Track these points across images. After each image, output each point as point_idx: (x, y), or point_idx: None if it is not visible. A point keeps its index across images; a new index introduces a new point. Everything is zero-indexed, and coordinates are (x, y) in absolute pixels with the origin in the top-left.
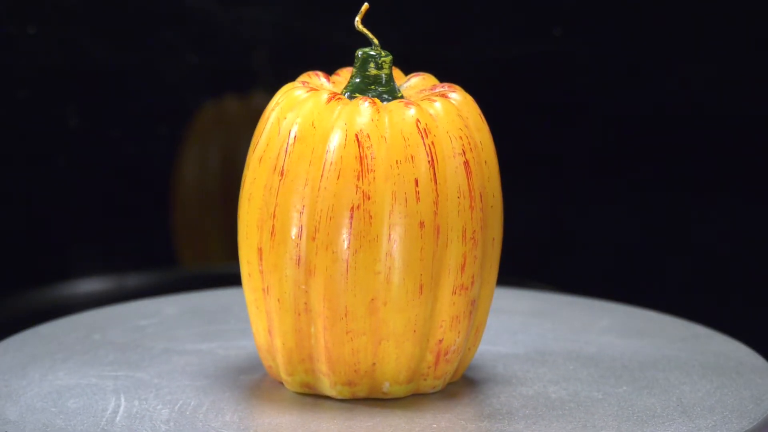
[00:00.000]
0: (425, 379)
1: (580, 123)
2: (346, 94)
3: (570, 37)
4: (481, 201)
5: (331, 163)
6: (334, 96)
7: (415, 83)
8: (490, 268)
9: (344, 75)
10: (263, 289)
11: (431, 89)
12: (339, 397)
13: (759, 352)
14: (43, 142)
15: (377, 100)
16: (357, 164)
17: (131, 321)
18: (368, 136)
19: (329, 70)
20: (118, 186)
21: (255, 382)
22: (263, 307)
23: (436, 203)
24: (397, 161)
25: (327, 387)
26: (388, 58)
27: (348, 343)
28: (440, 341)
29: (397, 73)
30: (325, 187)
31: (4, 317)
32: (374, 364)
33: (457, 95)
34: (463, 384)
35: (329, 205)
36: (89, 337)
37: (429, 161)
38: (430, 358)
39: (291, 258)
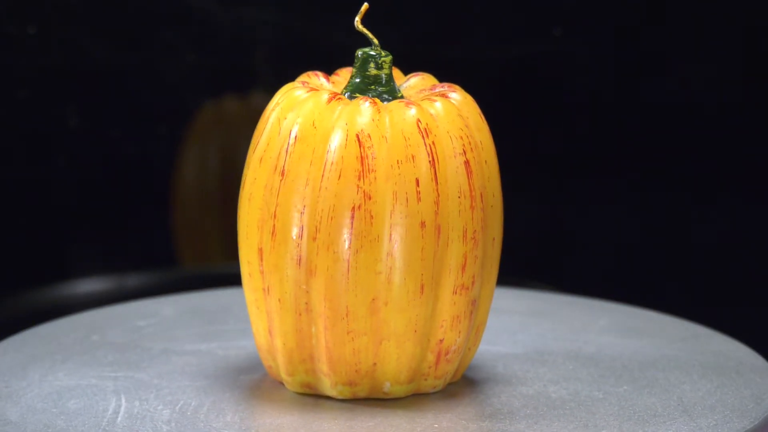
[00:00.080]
0: (426, 379)
1: (580, 123)
2: (346, 94)
3: (570, 37)
4: (482, 201)
5: (332, 163)
6: (334, 96)
7: (414, 83)
8: (491, 267)
9: (344, 75)
10: (264, 290)
11: (431, 89)
12: (340, 397)
13: (759, 352)
14: (43, 142)
15: (378, 100)
16: (358, 164)
17: (130, 321)
18: (369, 136)
19: (329, 70)
20: (118, 186)
21: (255, 382)
22: (264, 308)
23: (437, 203)
24: (398, 161)
25: (328, 387)
26: (388, 58)
27: (349, 343)
28: (441, 341)
29: (396, 73)
30: (326, 187)
31: (3, 317)
32: (375, 364)
33: (457, 95)
34: (463, 384)
35: (330, 205)
36: (88, 337)
37: (430, 161)
38: (430, 358)
39: (292, 258)
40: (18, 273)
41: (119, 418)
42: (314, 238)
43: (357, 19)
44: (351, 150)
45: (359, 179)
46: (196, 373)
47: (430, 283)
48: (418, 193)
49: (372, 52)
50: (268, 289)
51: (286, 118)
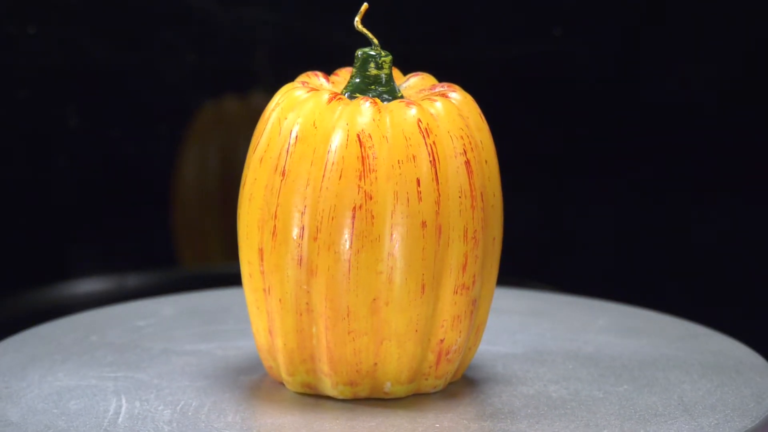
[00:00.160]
0: (426, 379)
1: (580, 123)
2: (346, 95)
3: (570, 37)
4: (482, 200)
5: (333, 163)
6: (335, 96)
7: (414, 83)
8: (491, 267)
9: (343, 75)
10: (264, 290)
11: (431, 89)
12: (340, 397)
13: (759, 352)
14: (43, 142)
15: (378, 100)
16: (359, 164)
17: (129, 322)
18: (370, 136)
19: (329, 70)
20: (118, 186)
21: (255, 382)
22: (264, 308)
23: (437, 203)
24: (398, 161)
25: (328, 387)
26: (388, 58)
27: (350, 343)
28: (442, 341)
29: (395, 73)
30: (327, 187)
31: (3, 317)
32: (376, 364)
33: (457, 95)
34: (463, 384)
35: (331, 205)
36: (87, 338)
37: (431, 161)
38: (431, 357)
39: (293, 258)
40: (18, 273)
41: (120, 419)
42: (315, 238)
43: (357, 19)
44: (352, 150)
45: (360, 179)
46: (195, 374)
47: (431, 282)
48: (419, 193)
49: (372, 52)
50: (269, 290)
51: (286, 119)
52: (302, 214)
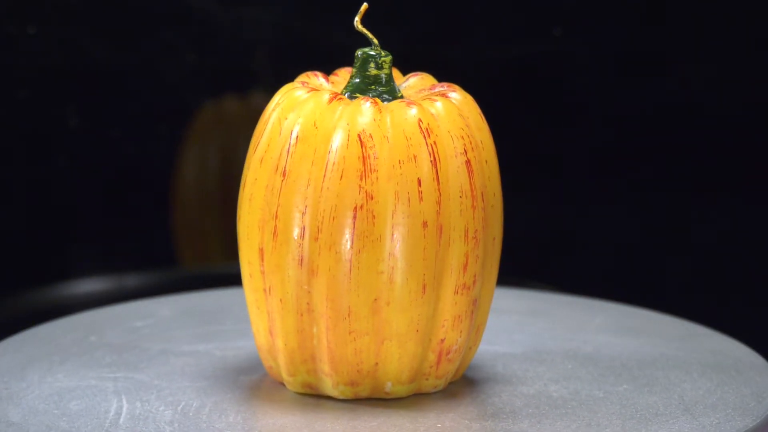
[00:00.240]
0: (427, 379)
1: (580, 123)
2: (346, 95)
3: (570, 37)
4: (483, 200)
5: (334, 163)
6: (335, 96)
7: (413, 83)
8: (491, 267)
9: (342, 75)
10: (265, 290)
11: (430, 89)
12: (341, 397)
13: (759, 352)
14: (43, 142)
15: (378, 100)
16: (360, 164)
17: (127, 322)
18: (371, 136)
19: (329, 70)
20: (118, 186)
21: (255, 382)
22: (264, 308)
23: (438, 203)
24: (399, 161)
25: (329, 387)
26: (388, 58)
27: (351, 343)
28: (442, 341)
29: (395, 73)
30: (328, 188)
31: (3, 317)
32: (377, 364)
33: (457, 95)
34: (463, 383)
35: (332, 206)
36: (86, 338)
37: (431, 161)
38: (432, 357)
39: (293, 258)
40: (18, 273)
41: (122, 419)
42: (316, 239)
43: (357, 19)
44: (353, 150)
45: (361, 179)
46: (195, 374)
47: (432, 282)
48: (420, 192)
49: (372, 52)
50: (270, 290)
51: (287, 119)
52: (303, 214)
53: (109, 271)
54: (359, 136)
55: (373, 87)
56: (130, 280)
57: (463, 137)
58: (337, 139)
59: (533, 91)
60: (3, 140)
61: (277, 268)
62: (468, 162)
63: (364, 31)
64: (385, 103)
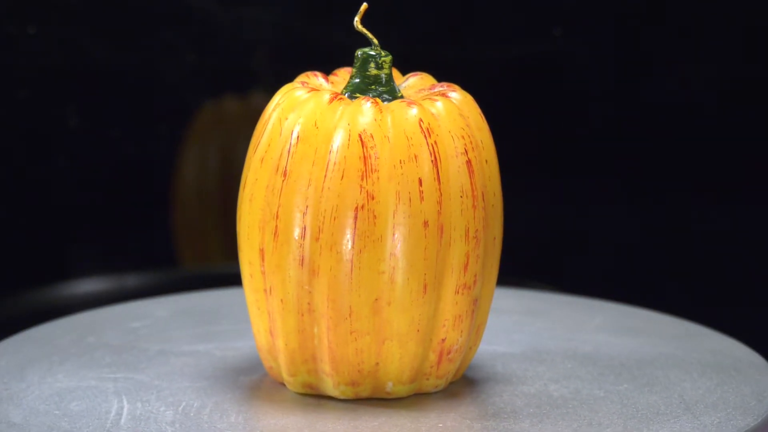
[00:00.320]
0: (428, 379)
1: (580, 123)
2: (346, 95)
3: (570, 37)
4: (483, 200)
5: (335, 164)
6: (336, 96)
7: (413, 83)
8: (491, 267)
9: (342, 75)
10: (265, 290)
11: (430, 89)
12: (342, 397)
13: (759, 352)
14: (43, 142)
15: (379, 100)
16: (361, 164)
17: (126, 323)
18: (372, 136)
19: (329, 70)
20: (118, 186)
21: (255, 382)
22: (265, 308)
23: (439, 203)
24: (400, 161)
25: (330, 387)
26: (388, 58)
27: (352, 343)
28: (443, 340)
29: (394, 73)
30: (329, 188)
31: (3, 317)
32: (378, 363)
33: (457, 94)
34: (463, 383)
35: (333, 206)
36: (84, 339)
37: (432, 161)
38: (432, 357)
39: (294, 259)
40: (18, 273)
41: (123, 420)
42: (317, 239)
43: (357, 19)
44: (354, 150)
45: (362, 179)
46: (195, 374)
47: (433, 282)
48: (421, 192)
49: (372, 52)
50: (270, 290)
51: (287, 119)
52: (304, 214)
53: (109, 271)
54: (360, 136)
55: (373, 87)
56: (130, 280)
57: (463, 137)
58: (338, 139)
59: (533, 91)
60: (3, 140)
61: (278, 268)
62: (469, 162)
63: (364, 31)
64: (386, 103)
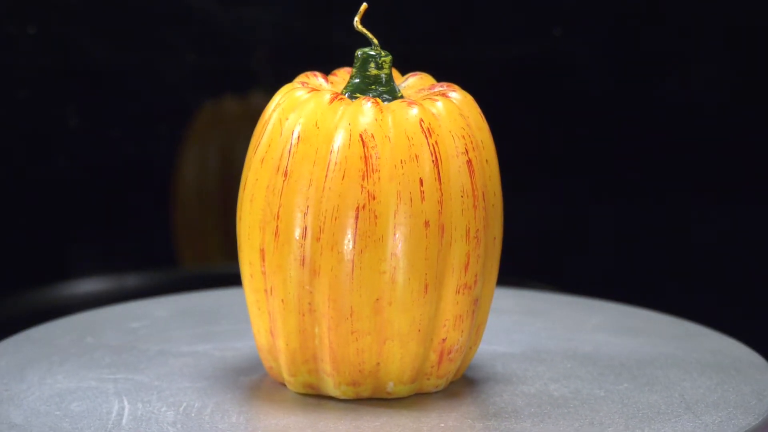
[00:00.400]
0: (428, 379)
1: (580, 123)
2: (347, 95)
3: (570, 37)
4: (484, 200)
5: (336, 164)
6: (336, 96)
7: (413, 83)
8: (491, 267)
9: (341, 75)
10: (266, 290)
11: (430, 89)
12: (343, 397)
13: (759, 352)
14: (43, 142)
15: (379, 100)
16: (362, 164)
17: (126, 323)
18: (372, 136)
19: (329, 70)
20: (118, 186)
21: (255, 383)
22: (265, 308)
23: (440, 203)
24: (401, 161)
25: (331, 387)
26: (388, 58)
27: (353, 343)
28: (444, 340)
29: (393, 73)
30: (330, 188)
31: (3, 317)
32: (379, 363)
33: (457, 94)
34: (464, 383)
35: (334, 206)
36: (83, 339)
37: (433, 161)
38: (433, 357)
39: (295, 259)
40: (18, 273)
41: (124, 421)
42: (318, 239)
43: (356, 19)
44: (354, 150)
45: (363, 179)
46: (195, 375)
47: (434, 282)
48: (422, 192)
49: (372, 52)
50: (271, 290)
51: (287, 119)
52: (305, 214)
53: (109, 271)
54: (361, 136)
55: (373, 87)
56: (130, 280)
57: (464, 137)
58: (339, 139)
59: (533, 91)
60: (3, 140)
61: (279, 268)
62: (469, 161)
63: (364, 31)
64: (386, 103)
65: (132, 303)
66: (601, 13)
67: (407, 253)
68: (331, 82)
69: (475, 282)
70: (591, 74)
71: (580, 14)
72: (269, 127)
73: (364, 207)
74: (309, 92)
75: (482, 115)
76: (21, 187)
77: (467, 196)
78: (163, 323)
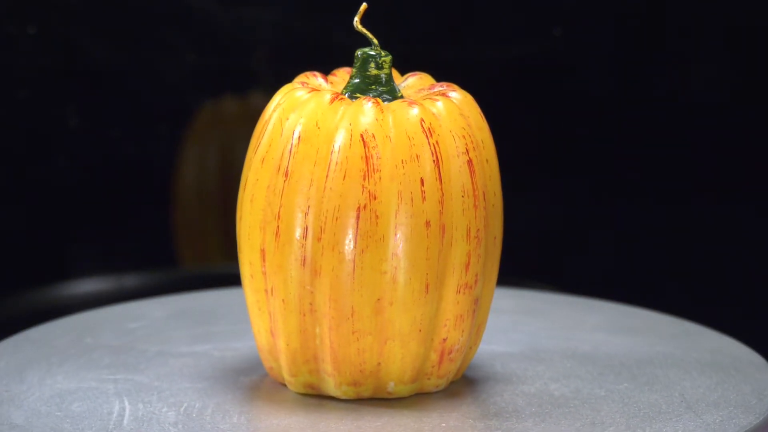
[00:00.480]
0: (429, 379)
1: (580, 123)
2: (347, 95)
3: (570, 37)
4: (484, 200)
5: (337, 164)
6: (336, 96)
7: (412, 83)
8: (492, 266)
9: (341, 75)
10: (266, 291)
11: (430, 88)
12: (343, 397)
13: (759, 352)
14: (43, 142)
15: (380, 100)
16: (363, 164)
17: (125, 323)
18: (373, 136)
19: (329, 70)
20: (118, 186)
21: (255, 383)
22: (266, 309)
23: (441, 202)
24: (402, 161)
25: (332, 387)
26: (388, 58)
27: (354, 343)
28: (444, 340)
29: (393, 73)
30: (331, 188)
31: (3, 317)
32: (379, 363)
33: (457, 94)
34: (464, 383)
35: (335, 206)
36: (82, 340)
37: (434, 160)
38: (434, 357)
39: (296, 259)
40: (18, 273)
41: (125, 421)
42: (319, 239)
43: (356, 19)
44: (355, 150)
45: (364, 179)
46: (195, 375)
47: (435, 282)
48: (423, 192)
49: (372, 52)
50: (272, 290)
51: (288, 119)
52: (306, 214)
53: (109, 271)
54: (362, 136)
55: (373, 87)
56: (130, 280)
57: (464, 137)
58: (340, 139)
59: (533, 91)
60: (3, 140)
61: (280, 268)
62: (470, 161)
63: (364, 31)
64: (386, 103)
65: (131, 303)
66: (601, 13)
67: (408, 253)
68: (331, 82)
69: (476, 282)
70: (591, 74)
71: (580, 14)
72: (269, 127)
73: (365, 207)
74: (309, 92)
75: (482, 115)
76: (21, 187)
77: (468, 196)
78: (163, 323)
